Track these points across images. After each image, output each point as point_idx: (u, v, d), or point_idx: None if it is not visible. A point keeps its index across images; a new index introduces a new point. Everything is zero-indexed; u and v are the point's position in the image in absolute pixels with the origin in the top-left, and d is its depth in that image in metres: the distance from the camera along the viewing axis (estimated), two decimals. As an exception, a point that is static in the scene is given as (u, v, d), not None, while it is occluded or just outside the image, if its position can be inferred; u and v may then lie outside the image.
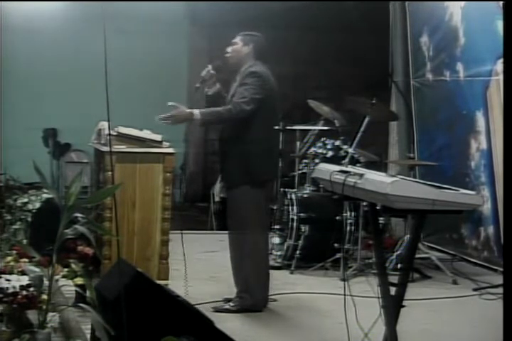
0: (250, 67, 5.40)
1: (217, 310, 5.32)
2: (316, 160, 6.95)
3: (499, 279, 6.02)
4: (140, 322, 3.68)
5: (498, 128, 6.60)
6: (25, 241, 5.94)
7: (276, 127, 5.80)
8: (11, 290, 3.97)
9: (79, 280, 4.71)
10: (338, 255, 6.63)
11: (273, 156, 5.62)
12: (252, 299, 5.37)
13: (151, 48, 10.11)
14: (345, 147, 6.98)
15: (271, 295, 5.79)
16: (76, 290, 4.71)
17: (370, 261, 6.49)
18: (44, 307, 3.86)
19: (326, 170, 4.02)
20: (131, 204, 5.24)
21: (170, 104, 5.24)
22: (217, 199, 11.07)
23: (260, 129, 5.35)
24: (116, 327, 3.52)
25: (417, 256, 6.50)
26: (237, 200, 5.35)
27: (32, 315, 3.99)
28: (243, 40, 5.49)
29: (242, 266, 5.42)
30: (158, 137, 5.39)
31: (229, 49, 5.51)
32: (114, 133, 5.18)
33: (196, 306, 4.15)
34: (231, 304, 5.37)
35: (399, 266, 6.24)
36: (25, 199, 6.37)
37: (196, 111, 5.20)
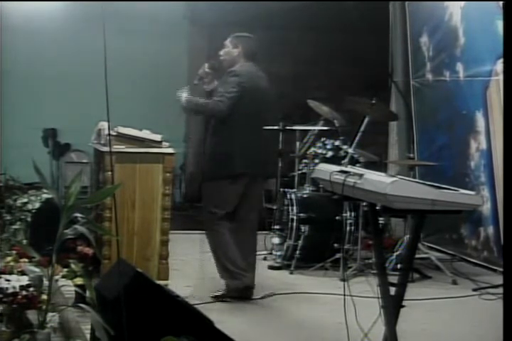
0: (237, 67, 5.64)
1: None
2: (316, 161, 6.95)
3: (499, 279, 6.02)
4: (140, 322, 3.68)
5: (498, 129, 6.60)
6: (25, 241, 5.95)
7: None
8: (10, 291, 3.97)
9: (79, 281, 4.71)
10: (338, 255, 6.63)
11: (252, 152, 5.62)
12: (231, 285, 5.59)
13: (151, 48, 10.10)
14: (345, 147, 6.98)
15: (271, 295, 5.80)
16: (76, 291, 4.71)
17: (370, 261, 6.49)
18: (44, 307, 3.86)
19: (326, 170, 4.02)
20: (130, 205, 5.25)
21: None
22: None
23: (238, 126, 5.54)
24: (116, 327, 3.52)
25: (417, 256, 6.51)
26: (206, 192, 5.53)
27: (32, 315, 3.99)
28: (232, 42, 5.76)
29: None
30: (157, 137, 5.39)
31: (221, 52, 5.78)
32: (114, 134, 5.18)
33: (196, 306, 4.15)
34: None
35: (399, 266, 6.24)
36: (25, 200, 6.38)
37: (184, 95, 5.49)
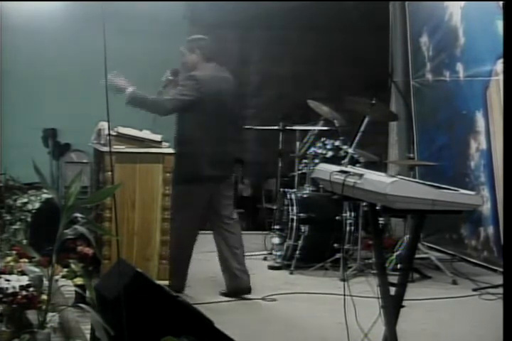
0: (197, 72, 5.68)
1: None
2: (316, 161, 6.95)
3: (499, 279, 6.03)
4: (140, 323, 3.68)
5: (498, 129, 6.60)
6: (25, 242, 5.95)
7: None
8: (10, 291, 3.97)
9: (79, 281, 4.71)
10: (338, 255, 6.63)
11: (212, 155, 5.63)
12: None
13: (151, 48, 10.10)
14: (344, 147, 6.98)
15: (271, 295, 5.80)
16: (76, 291, 4.71)
17: (370, 261, 6.49)
18: (44, 307, 3.86)
19: (326, 171, 4.02)
20: (130, 205, 5.24)
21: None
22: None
23: (197, 129, 5.58)
24: (116, 327, 3.52)
25: (417, 256, 6.51)
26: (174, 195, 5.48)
27: (32, 315, 3.99)
28: (188, 47, 5.79)
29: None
30: (157, 137, 5.39)
31: (181, 59, 5.85)
32: (114, 134, 5.18)
33: (196, 306, 4.15)
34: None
35: (398, 266, 6.24)
36: (25, 200, 6.38)
37: (130, 89, 5.52)
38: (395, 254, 6.56)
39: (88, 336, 4.21)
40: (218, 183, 5.72)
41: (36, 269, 3.99)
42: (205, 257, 6.92)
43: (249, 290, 5.77)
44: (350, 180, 3.74)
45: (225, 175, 5.81)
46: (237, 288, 5.76)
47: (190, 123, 5.62)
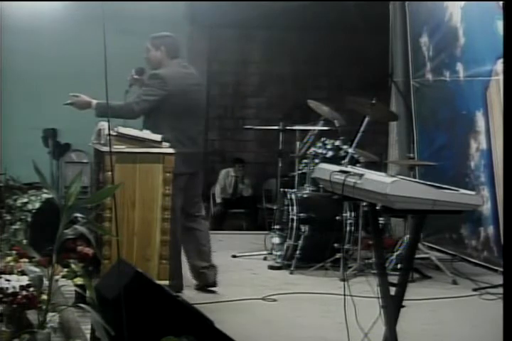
0: (161, 70, 5.68)
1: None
2: (316, 161, 6.94)
3: (499, 279, 6.02)
4: (140, 323, 3.68)
5: (498, 129, 6.60)
6: (25, 241, 5.94)
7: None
8: (10, 291, 3.97)
9: (79, 281, 4.71)
10: (338, 255, 6.63)
11: (180, 153, 5.52)
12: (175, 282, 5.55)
13: (151, 48, 10.11)
14: (345, 147, 6.98)
15: (271, 295, 5.80)
16: (76, 291, 4.71)
17: (370, 261, 6.48)
18: (44, 307, 3.85)
19: (326, 170, 4.01)
20: (131, 205, 5.24)
21: (71, 94, 5.70)
22: (218, 200, 11.09)
23: (164, 127, 5.53)
24: (116, 327, 3.52)
25: (417, 256, 6.50)
26: None
27: (32, 315, 3.99)
28: (153, 44, 5.78)
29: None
30: (157, 137, 5.39)
31: (145, 54, 5.82)
32: (114, 134, 5.17)
33: (196, 306, 4.15)
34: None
35: (399, 266, 6.24)
36: (25, 200, 6.38)
37: (94, 102, 5.56)
38: (395, 254, 6.56)
39: (88, 336, 4.21)
40: (186, 180, 5.70)
41: (36, 269, 3.98)
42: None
43: (214, 284, 5.88)
44: (351, 180, 3.74)
45: (193, 172, 5.79)
46: (203, 284, 5.88)
47: (157, 121, 5.60)
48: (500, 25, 6.30)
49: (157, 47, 5.77)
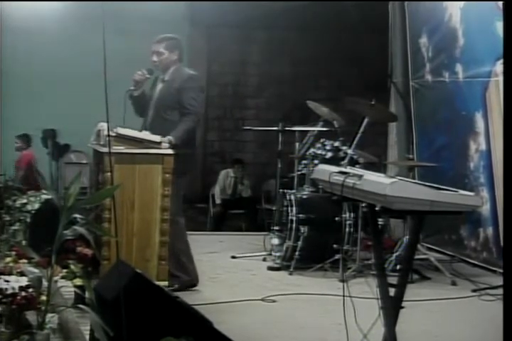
0: (181, 69, 5.78)
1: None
2: (315, 161, 6.94)
3: (498, 280, 6.02)
4: (139, 323, 3.68)
5: (497, 130, 6.60)
6: (24, 242, 5.93)
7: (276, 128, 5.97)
8: (10, 291, 3.97)
9: (78, 281, 4.71)
10: (337, 256, 6.62)
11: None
12: (188, 276, 5.74)
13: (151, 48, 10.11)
14: (344, 148, 6.98)
15: (270, 296, 5.80)
16: (75, 291, 4.71)
17: (369, 262, 6.49)
18: (43, 308, 3.85)
19: (325, 171, 4.01)
20: (130, 205, 5.24)
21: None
22: (218, 201, 11.10)
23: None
24: (115, 328, 3.52)
25: (416, 257, 6.50)
26: None
27: (31, 316, 3.99)
28: (168, 47, 5.79)
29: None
30: (157, 138, 5.39)
31: (155, 58, 5.81)
32: (113, 134, 5.18)
33: (195, 307, 4.15)
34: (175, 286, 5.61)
35: (398, 267, 6.24)
36: (25, 200, 6.37)
37: (170, 138, 5.45)
38: (395, 255, 6.56)
39: (87, 337, 4.20)
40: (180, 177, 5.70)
41: (35, 270, 3.98)
42: (205, 258, 6.94)
43: (196, 284, 5.90)
44: (350, 180, 3.74)
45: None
46: (187, 285, 5.85)
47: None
48: (499, 26, 6.30)
49: (171, 50, 5.78)
